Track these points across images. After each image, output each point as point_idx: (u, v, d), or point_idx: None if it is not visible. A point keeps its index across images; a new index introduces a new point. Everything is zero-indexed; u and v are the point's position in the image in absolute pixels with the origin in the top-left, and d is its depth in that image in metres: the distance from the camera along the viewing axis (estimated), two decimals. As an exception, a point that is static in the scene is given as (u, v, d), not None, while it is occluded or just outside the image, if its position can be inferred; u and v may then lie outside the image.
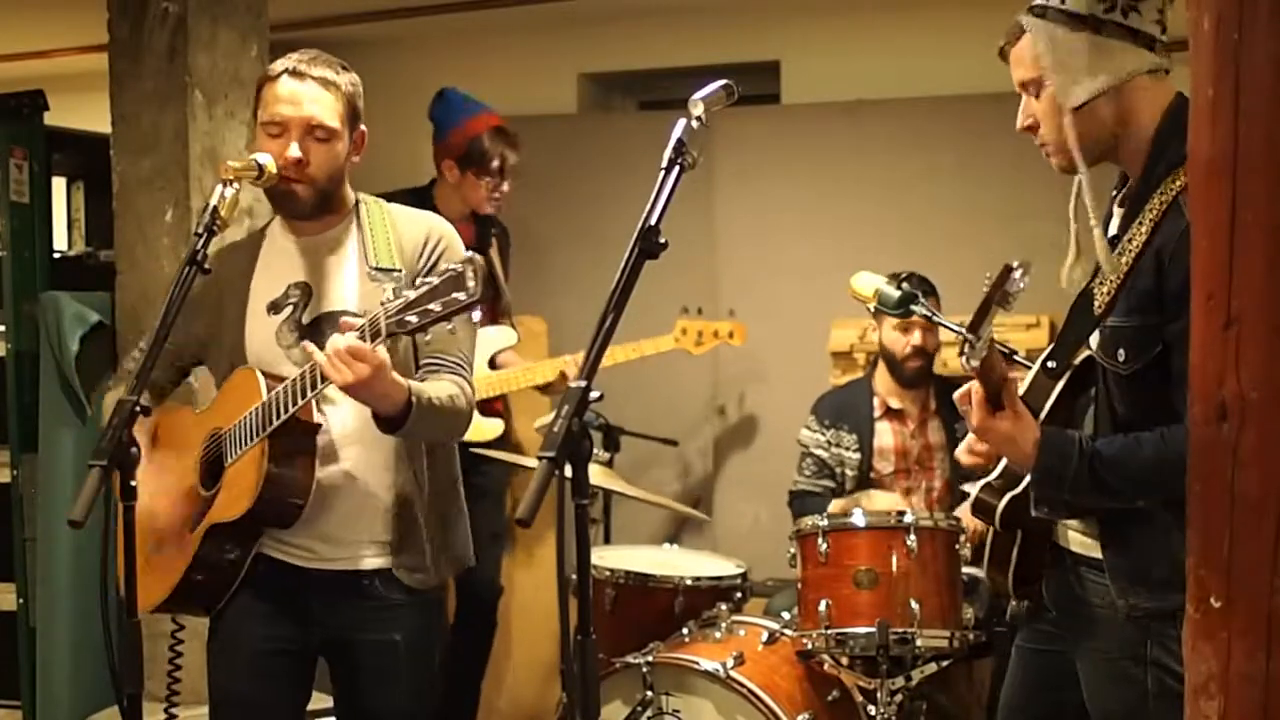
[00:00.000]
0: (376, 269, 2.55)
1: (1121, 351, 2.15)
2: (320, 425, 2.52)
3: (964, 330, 2.08)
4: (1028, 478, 2.24)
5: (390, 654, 2.59)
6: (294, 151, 2.52)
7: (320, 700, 2.74)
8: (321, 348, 2.54)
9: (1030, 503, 2.23)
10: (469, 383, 2.60)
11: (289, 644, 2.60)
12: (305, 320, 2.59)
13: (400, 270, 2.55)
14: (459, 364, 2.60)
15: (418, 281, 2.26)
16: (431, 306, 2.20)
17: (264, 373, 2.52)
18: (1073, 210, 2.29)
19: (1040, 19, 2.19)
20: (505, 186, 4.24)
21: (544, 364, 4.31)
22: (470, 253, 2.26)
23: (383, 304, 2.28)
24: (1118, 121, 2.18)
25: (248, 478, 2.47)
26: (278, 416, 2.42)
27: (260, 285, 2.64)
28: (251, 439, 2.47)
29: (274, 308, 2.61)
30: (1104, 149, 2.22)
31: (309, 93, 2.54)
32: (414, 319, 2.22)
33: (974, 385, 2.20)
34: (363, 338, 2.29)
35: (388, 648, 2.59)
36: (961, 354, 2.10)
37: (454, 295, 2.18)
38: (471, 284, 2.17)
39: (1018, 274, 2.05)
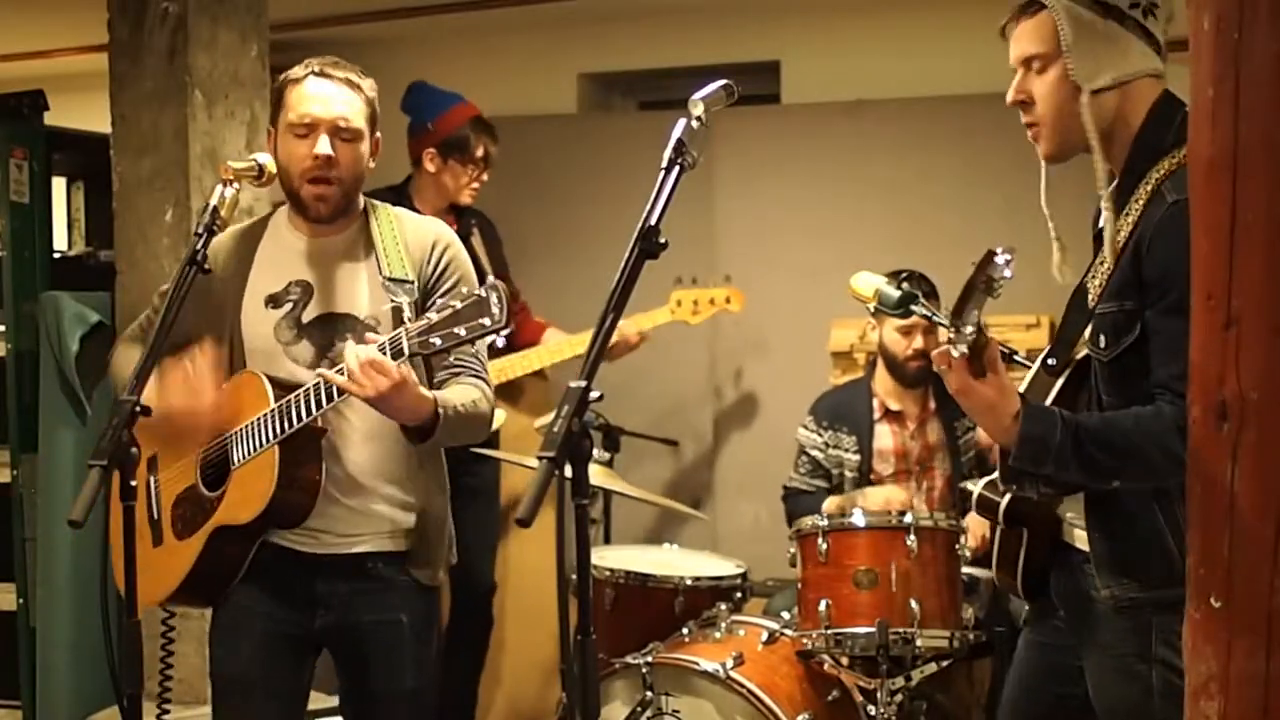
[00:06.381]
0: (390, 279, 2.56)
1: (1102, 337, 2.15)
2: (326, 430, 2.54)
3: (949, 319, 2.03)
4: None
5: (396, 634, 2.62)
6: (324, 148, 2.52)
7: (321, 700, 2.74)
8: (323, 347, 2.55)
9: (1001, 477, 2.20)
10: (488, 383, 2.64)
11: (293, 627, 2.61)
12: (305, 319, 2.60)
13: (412, 281, 2.58)
14: (477, 365, 2.65)
15: (438, 304, 2.31)
16: (456, 330, 2.27)
17: (269, 377, 2.52)
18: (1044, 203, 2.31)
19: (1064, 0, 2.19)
20: (485, 176, 4.25)
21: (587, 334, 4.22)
22: (493, 279, 2.32)
23: (405, 326, 2.33)
24: (1116, 116, 2.18)
25: (259, 482, 2.48)
26: (290, 425, 2.44)
27: (259, 277, 2.63)
28: (261, 444, 2.48)
29: (273, 301, 2.62)
30: (1087, 141, 2.22)
31: (337, 93, 2.55)
32: (437, 341, 2.28)
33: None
34: (384, 354, 2.34)
35: (394, 628, 2.61)
36: (949, 343, 2.04)
37: (479, 320, 2.25)
38: (496, 310, 2.25)
39: (1001, 259, 2.00)
